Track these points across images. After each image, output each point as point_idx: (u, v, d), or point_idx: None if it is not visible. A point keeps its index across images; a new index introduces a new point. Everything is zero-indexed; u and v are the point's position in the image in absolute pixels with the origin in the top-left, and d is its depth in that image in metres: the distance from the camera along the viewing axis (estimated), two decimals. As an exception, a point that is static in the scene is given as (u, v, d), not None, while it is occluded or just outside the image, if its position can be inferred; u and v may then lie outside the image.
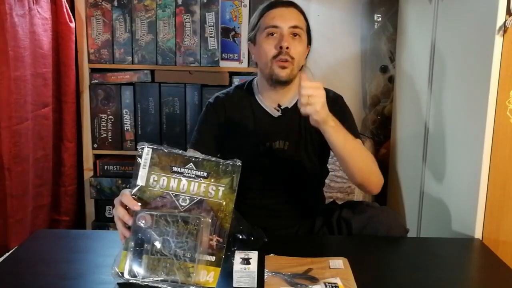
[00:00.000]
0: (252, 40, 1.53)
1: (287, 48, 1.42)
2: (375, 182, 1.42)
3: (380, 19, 2.46)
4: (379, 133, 2.50)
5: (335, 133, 1.30)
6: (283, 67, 1.44)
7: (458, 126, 1.60)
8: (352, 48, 2.53)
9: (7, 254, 1.37)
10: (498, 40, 1.35)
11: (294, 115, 1.52)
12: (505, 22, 1.33)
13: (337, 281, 1.11)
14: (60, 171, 2.15)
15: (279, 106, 1.53)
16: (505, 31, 1.33)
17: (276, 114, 1.53)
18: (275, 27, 1.44)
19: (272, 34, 1.45)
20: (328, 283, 1.10)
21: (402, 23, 2.22)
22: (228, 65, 2.22)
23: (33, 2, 1.84)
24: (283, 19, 1.45)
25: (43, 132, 1.97)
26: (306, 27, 1.50)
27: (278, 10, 1.47)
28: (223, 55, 2.21)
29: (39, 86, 1.91)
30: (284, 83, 1.48)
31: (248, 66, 2.20)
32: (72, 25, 2.08)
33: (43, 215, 2.02)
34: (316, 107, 1.23)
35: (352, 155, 1.34)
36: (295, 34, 1.45)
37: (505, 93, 1.37)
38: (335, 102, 1.53)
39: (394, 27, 2.37)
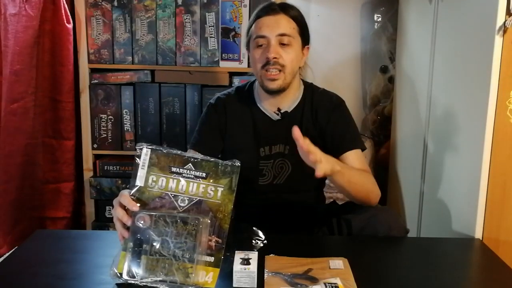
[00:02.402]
0: (247, 47, 1.54)
1: (275, 58, 1.42)
2: (373, 199, 1.46)
3: (380, 19, 2.46)
4: (379, 133, 2.50)
5: (341, 176, 1.33)
6: (273, 79, 1.44)
7: (458, 126, 1.59)
8: (352, 49, 2.53)
9: (7, 254, 1.37)
10: (498, 40, 1.34)
11: (294, 119, 1.53)
12: (505, 22, 1.33)
13: (337, 281, 1.11)
14: (53, 168, 2.15)
15: (278, 110, 1.53)
16: (505, 31, 1.33)
17: (276, 117, 1.53)
18: (262, 37, 1.44)
19: (261, 44, 1.45)
20: (328, 283, 1.10)
21: (402, 24, 2.22)
22: (228, 65, 2.22)
23: (23, 0, 1.84)
24: (270, 28, 1.43)
25: (10, 128, 1.95)
26: (300, 30, 1.47)
27: (266, 19, 1.45)
28: (223, 55, 2.21)
29: (11, 83, 1.90)
30: (278, 92, 1.48)
31: (248, 66, 2.20)
32: (70, 26, 2.08)
33: (28, 213, 2.01)
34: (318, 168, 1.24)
35: (354, 187, 1.39)
36: (284, 43, 1.44)
37: (505, 93, 1.37)
38: (336, 109, 1.54)
39: (394, 28, 2.37)
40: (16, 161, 1.98)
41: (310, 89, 1.58)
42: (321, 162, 1.23)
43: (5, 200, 1.90)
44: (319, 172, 1.23)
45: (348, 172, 1.37)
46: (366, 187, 1.43)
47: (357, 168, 1.47)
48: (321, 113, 1.53)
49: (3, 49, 1.73)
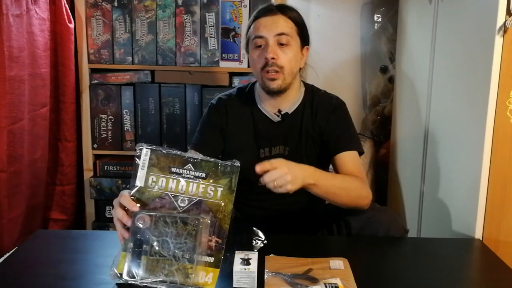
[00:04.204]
0: (246, 50, 1.54)
1: (273, 58, 1.42)
2: (364, 204, 1.42)
3: (380, 19, 2.46)
4: (379, 133, 2.50)
5: (316, 188, 1.32)
6: (273, 79, 1.44)
7: (458, 126, 1.59)
8: (352, 49, 2.53)
9: (7, 254, 1.37)
10: (498, 40, 1.34)
11: (294, 121, 1.53)
12: (505, 22, 1.33)
13: (337, 281, 1.11)
14: (58, 170, 2.15)
15: (279, 111, 1.53)
16: (505, 31, 1.33)
17: (276, 119, 1.53)
18: (260, 37, 1.44)
19: (260, 45, 1.45)
20: (328, 283, 1.10)
21: (402, 24, 2.22)
22: (228, 65, 2.22)
23: (32, 2, 1.84)
24: (268, 28, 1.44)
25: (41, 132, 1.97)
26: (298, 30, 1.47)
27: (263, 20, 1.45)
28: (223, 55, 2.21)
29: (37, 87, 1.91)
30: (278, 92, 1.48)
31: (248, 66, 2.20)
32: (71, 25, 2.08)
33: (37, 215, 2.02)
34: (287, 187, 1.23)
35: (336, 195, 1.37)
36: (282, 43, 1.44)
37: (505, 93, 1.36)
38: (335, 111, 1.54)
39: (394, 28, 2.37)
40: (34, 163, 1.99)
41: (311, 91, 1.58)
42: (283, 188, 1.23)
43: (20, 202, 1.92)
44: (282, 190, 1.24)
45: (325, 183, 1.34)
46: (352, 193, 1.40)
47: (349, 170, 1.45)
48: (321, 114, 1.53)
49: (9, 50, 1.72)
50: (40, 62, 1.91)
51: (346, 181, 1.41)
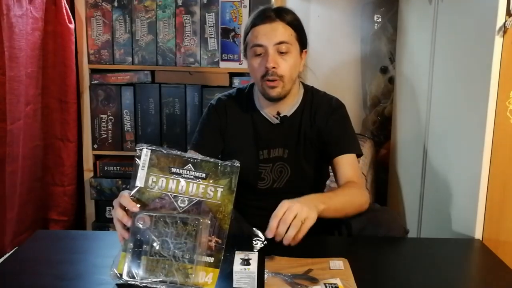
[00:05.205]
0: (244, 55, 1.53)
1: (273, 68, 1.41)
2: (363, 209, 1.42)
3: (380, 20, 2.46)
4: (379, 133, 2.51)
5: (327, 212, 1.30)
6: (273, 87, 1.43)
7: (458, 127, 1.59)
8: (352, 49, 2.53)
9: (7, 254, 1.37)
10: (498, 40, 1.34)
11: (293, 123, 1.53)
12: (505, 23, 1.33)
13: (337, 281, 1.11)
14: (59, 171, 2.15)
15: (278, 114, 1.53)
16: (505, 32, 1.33)
17: (275, 121, 1.53)
18: (260, 46, 1.42)
19: (259, 53, 1.44)
20: (328, 283, 1.10)
21: (402, 24, 2.22)
22: (228, 65, 2.21)
23: (27, 2, 1.84)
24: (267, 36, 1.41)
25: (28, 131, 1.96)
26: (297, 36, 1.45)
27: (262, 27, 1.43)
28: (223, 55, 2.21)
29: (27, 86, 1.91)
30: (278, 99, 1.48)
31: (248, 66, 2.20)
32: (72, 26, 2.08)
33: (30, 215, 2.02)
34: (310, 218, 1.22)
35: (344, 210, 1.37)
36: (282, 51, 1.42)
37: (505, 93, 1.37)
38: (335, 112, 1.54)
39: (394, 28, 2.37)
40: (29, 163, 1.99)
41: (310, 93, 1.57)
42: (308, 220, 1.21)
43: (19, 202, 1.91)
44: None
45: (332, 202, 1.33)
46: (355, 204, 1.40)
47: (347, 174, 1.46)
48: (320, 116, 1.53)
49: (10, 50, 1.72)
50: (29, 61, 1.91)
51: (347, 194, 1.41)
